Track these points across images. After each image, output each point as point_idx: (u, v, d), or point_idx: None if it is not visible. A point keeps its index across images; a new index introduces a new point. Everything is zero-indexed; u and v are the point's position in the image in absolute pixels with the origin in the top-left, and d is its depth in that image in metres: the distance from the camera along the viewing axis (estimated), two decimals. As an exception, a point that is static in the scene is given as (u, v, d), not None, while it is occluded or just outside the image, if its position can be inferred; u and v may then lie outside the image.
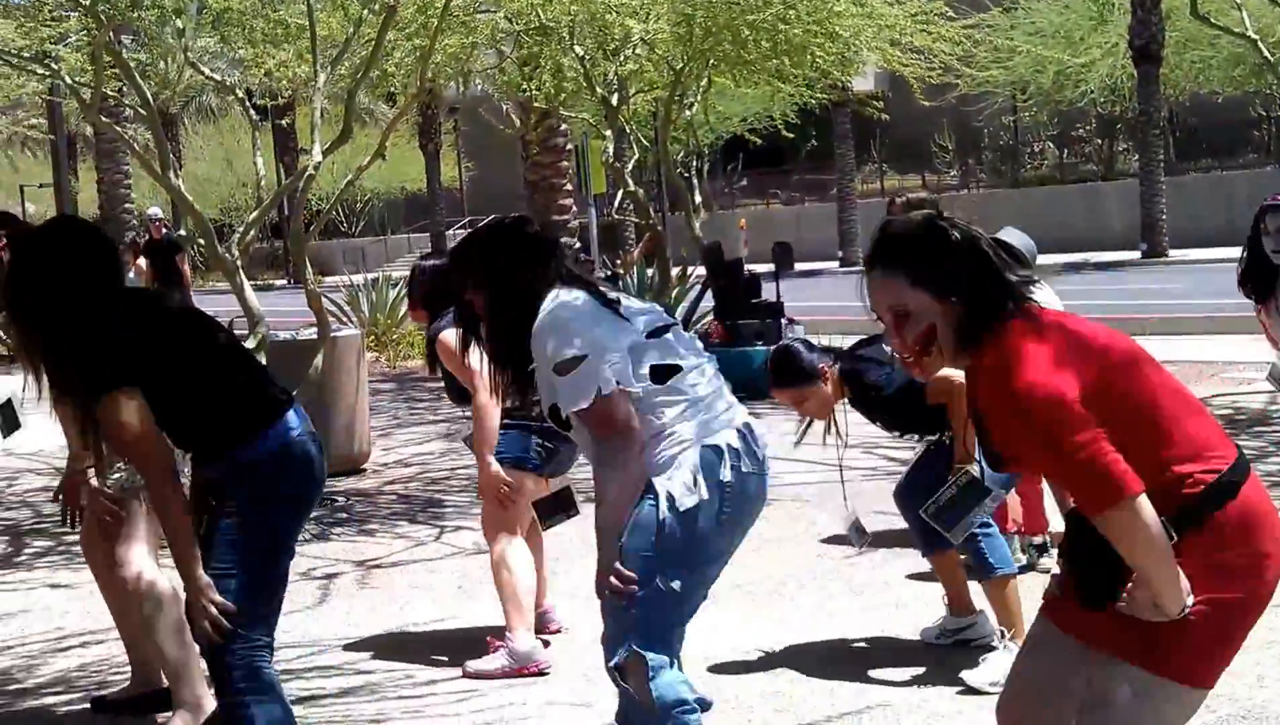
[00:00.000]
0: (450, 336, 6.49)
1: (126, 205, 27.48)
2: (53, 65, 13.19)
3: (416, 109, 42.26)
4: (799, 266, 39.85)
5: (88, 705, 6.41)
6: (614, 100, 18.08)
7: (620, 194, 21.90)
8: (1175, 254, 32.79)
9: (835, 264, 41.79)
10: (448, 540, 9.45)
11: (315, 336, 12.05)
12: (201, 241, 11.61)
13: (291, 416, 4.94)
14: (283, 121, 43.20)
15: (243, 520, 4.83)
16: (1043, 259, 8.79)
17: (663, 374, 4.50)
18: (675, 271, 18.62)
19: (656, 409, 4.47)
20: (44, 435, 14.32)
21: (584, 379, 4.40)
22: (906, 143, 48.22)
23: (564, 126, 21.82)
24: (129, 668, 6.55)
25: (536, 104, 18.64)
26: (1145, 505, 3.49)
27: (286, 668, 6.97)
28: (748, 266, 17.17)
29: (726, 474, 4.45)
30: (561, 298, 4.55)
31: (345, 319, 19.33)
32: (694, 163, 25.82)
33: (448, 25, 13.96)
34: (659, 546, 4.40)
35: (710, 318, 16.61)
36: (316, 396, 11.42)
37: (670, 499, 4.39)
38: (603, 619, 4.50)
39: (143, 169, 13.31)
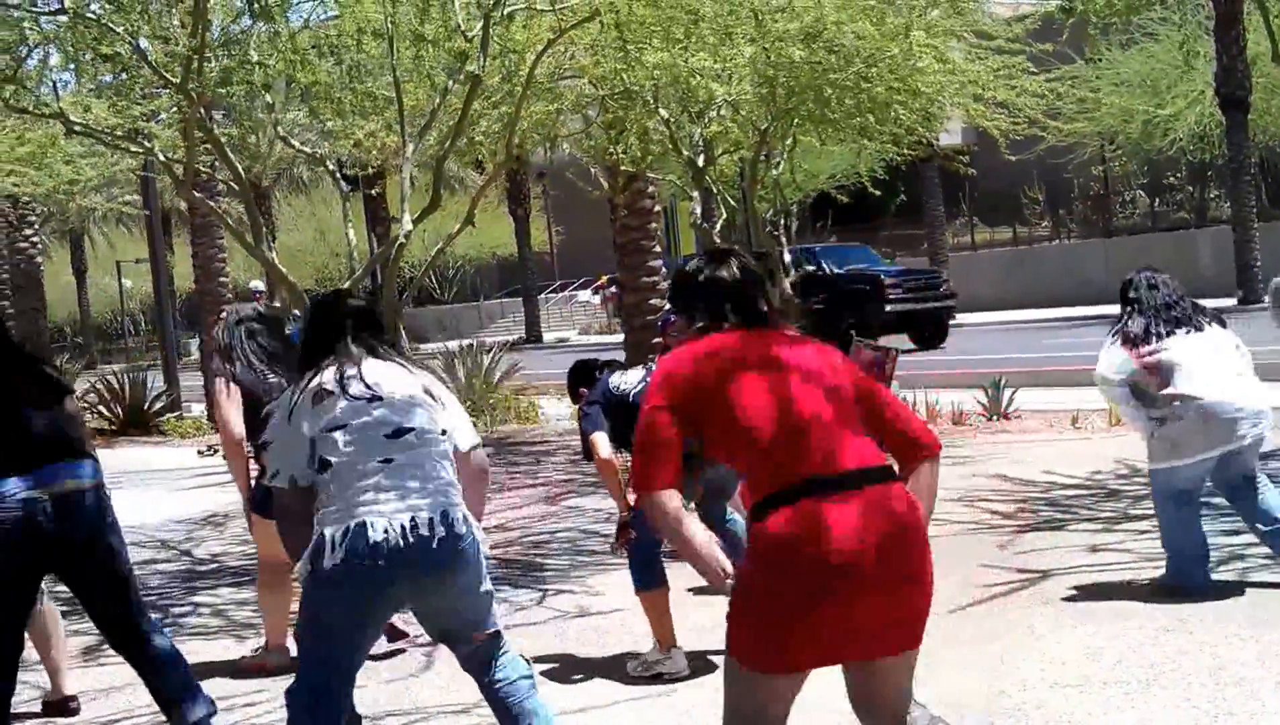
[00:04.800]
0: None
1: (221, 278, 27.67)
2: (145, 142, 13.39)
3: (505, 175, 42.58)
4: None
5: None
6: (700, 161, 18.14)
7: (709, 254, 21.91)
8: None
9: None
10: (550, 604, 9.46)
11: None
12: (297, 313, 11.73)
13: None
14: (373, 191, 43.67)
15: None
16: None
17: (323, 466, 5.28)
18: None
19: (320, 491, 5.29)
20: (148, 510, 14.55)
21: (272, 461, 5.41)
22: (996, 195, 48.07)
23: (651, 189, 21.88)
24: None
25: (623, 167, 18.72)
26: (664, 501, 4.38)
27: (388, 734, 7.03)
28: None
29: (325, 562, 5.16)
30: (283, 397, 5.52)
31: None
32: (782, 221, 25.84)
33: (533, 93, 14.08)
34: (301, 600, 5.39)
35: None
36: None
37: (303, 570, 5.28)
38: None
39: (237, 242, 13.49)
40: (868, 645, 4.37)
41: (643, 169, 19.05)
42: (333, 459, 5.24)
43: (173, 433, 23.21)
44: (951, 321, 32.59)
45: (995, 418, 16.64)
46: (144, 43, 11.58)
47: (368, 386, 5.38)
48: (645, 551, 7.66)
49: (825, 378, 4.49)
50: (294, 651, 7.79)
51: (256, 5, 11.09)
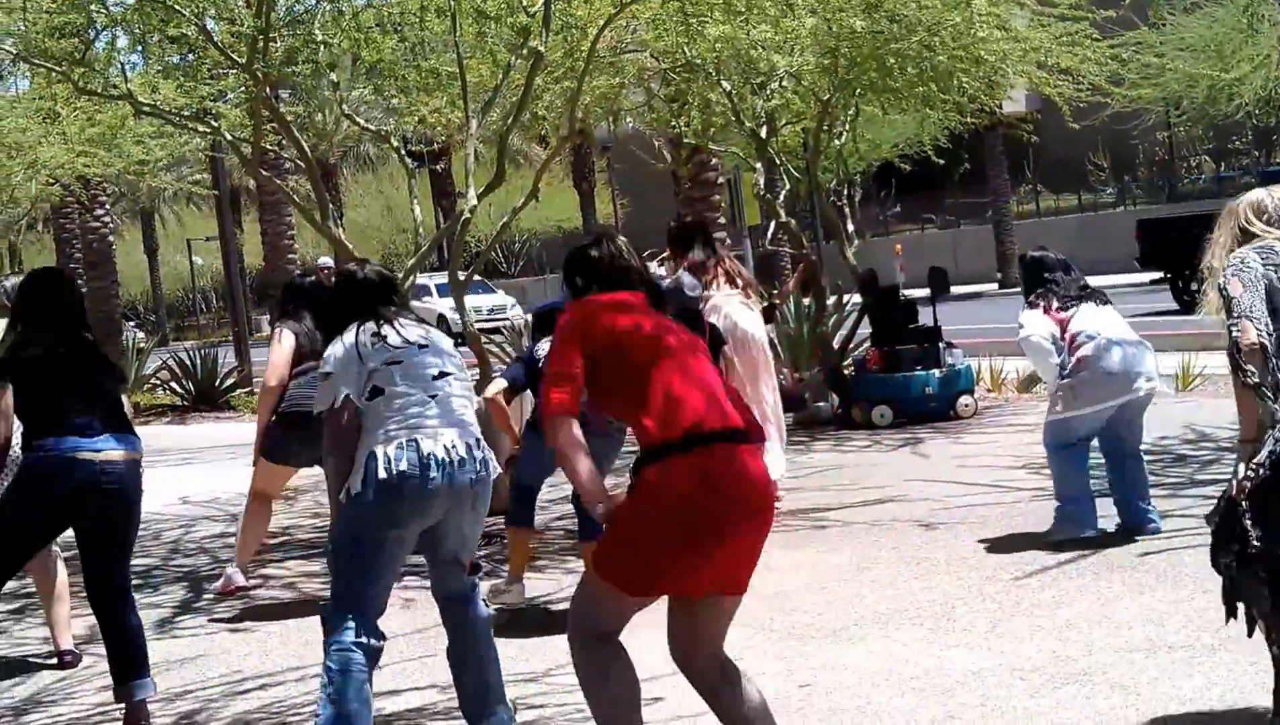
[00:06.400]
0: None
1: (290, 255, 27.88)
2: (213, 122, 13.50)
3: (569, 149, 42.61)
4: (957, 290, 39.64)
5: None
6: (763, 133, 18.11)
7: (773, 225, 21.88)
8: (1340, 263, 31.98)
9: (994, 286, 41.43)
10: (613, 574, 9.53)
11: (477, 377, 12.24)
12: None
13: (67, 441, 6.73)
14: (438, 167, 43.81)
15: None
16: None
17: (374, 394, 6.02)
18: (831, 300, 18.59)
19: (368, 418, 6.00)
20: (219, 483, 14.71)
21: (326, 392, 6.08)
22: (1061, 162, 47.74)
23: (715, 161, 21.89)
24: (307, 709, 6.78)
25: (686, 139, 18.74)
26: (564, 426, 4.98)
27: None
28: (904, 292, 17.14)
29: (381, 473, 5.85)
30: (343, 336, 6.18)
31: (507, 359, 19.57)
32: (846, 191, 25.77)
33: (595, 67, 14.11)
34: (343, 521, 6.01)
35: (868, 345, 16.59)
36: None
37: (347, 490, 5.93)
38: None
39: (305, 219, 13.60)
40: (703, 583, 5.01)
41: (705, 141, 19.07)
42: (386, 388, 6.04)
43: (243, 408, 23.40)
44: None
45: (1061, 385, 16.56)
46: (210, 24, 11.69)
47: (418, 334, 6.28)
48: (526, 490, 8.85)
49: (701, 349, 5.26)
50: (238, 579, 9.60)
51: (320, -15, 11.18)
